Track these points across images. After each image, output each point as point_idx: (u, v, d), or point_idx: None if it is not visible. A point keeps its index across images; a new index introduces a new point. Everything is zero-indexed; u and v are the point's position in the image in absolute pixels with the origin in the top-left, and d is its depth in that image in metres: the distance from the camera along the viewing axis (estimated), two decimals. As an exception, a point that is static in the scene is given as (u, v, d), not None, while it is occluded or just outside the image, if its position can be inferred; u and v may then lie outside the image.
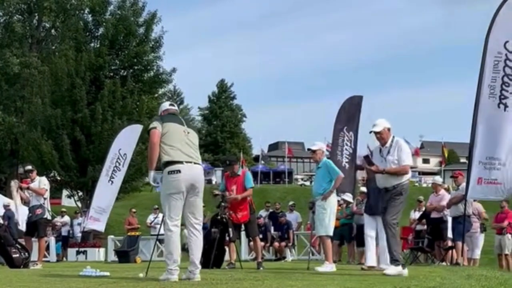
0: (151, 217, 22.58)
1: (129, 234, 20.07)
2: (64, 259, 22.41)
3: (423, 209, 16.68)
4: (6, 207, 18.68)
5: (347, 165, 17.30)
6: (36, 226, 12.70)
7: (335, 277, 7.87)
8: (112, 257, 20.33)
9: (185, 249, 7.37)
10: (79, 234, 23.44)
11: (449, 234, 14.10)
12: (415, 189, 46.28)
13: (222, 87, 74.00)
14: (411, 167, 8.61)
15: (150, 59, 34.06)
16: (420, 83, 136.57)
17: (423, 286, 6.07)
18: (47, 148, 29.62)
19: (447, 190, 15.10)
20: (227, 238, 12.05)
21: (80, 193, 32.44)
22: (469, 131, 11.50)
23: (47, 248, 21.30)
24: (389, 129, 8.49)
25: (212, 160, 65.51)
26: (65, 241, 23.46)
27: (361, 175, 15.50)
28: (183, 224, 7.27)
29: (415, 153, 59.39)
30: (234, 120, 72.43)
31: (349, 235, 16.79)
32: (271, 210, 21.37)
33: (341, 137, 17.85)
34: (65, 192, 36.74)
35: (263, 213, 21.02)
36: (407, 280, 6.87)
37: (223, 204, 11.64)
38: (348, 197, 16.48)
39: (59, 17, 38.39)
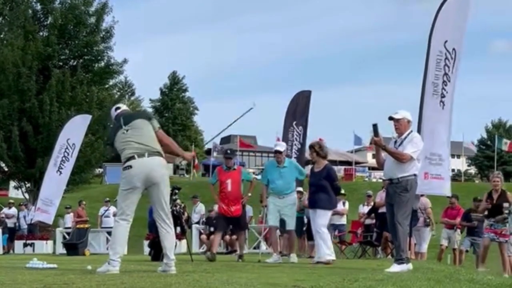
0: (102, 210, 22.38)
1: (78, 226, 19.81)
2: (11, 251, 22.01)
3: (372, 203, 16.90)
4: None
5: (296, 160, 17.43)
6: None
7: (285, 270, 7.92)
8: (61, 249, 20.04)
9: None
10: (26, 226, 23.04)
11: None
12: (365, 184, 46.92)
13: (174, 79, 73.42)
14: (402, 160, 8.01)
15: (101, 49, 33.51)
16: (371, 79, 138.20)
17: (371, 278, 6.15)
18: (-4, 138, 29.06)
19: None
20: (177, 231, 12.00)
21: (28, 185, 31.84)
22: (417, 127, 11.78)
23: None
24: (408, 122, 8.25)
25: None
26: (12, 233, 23.03)
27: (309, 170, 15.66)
28: None
29: (369, 148, 60.21)
30: (186, 112, 71.95)
31: (300, 228, 16.89)
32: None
33: (291, 132, 17.98)
34: (12, 183, 36.03)
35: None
36: (355, 273, 6.96)
37: (174, 197, 11.58)
38: (301, 189, 16.69)
39: (6, 5, 37.47)
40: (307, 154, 18.76)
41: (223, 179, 11.49)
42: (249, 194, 11.80)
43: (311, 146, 10.50)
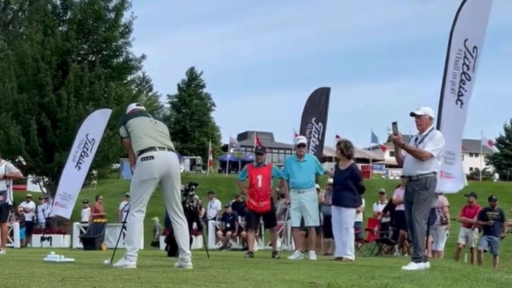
0: (122, 204, 22.45)
1: (95, 221, 19.91)
2: (28, 245, 22.18)
3: (386, 201, 16.83)
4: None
5: (313, 156, 17.37)
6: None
7: (301, 267, 7.90)
8: (78, 244, 20.15)
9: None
10: (44, 220, 23.18)
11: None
12: (382, 182, 46.69)
13: (192, 75, 73.49)
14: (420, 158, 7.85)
15: (119, 44, 33.65)
16: (389, 76, 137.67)
17: (388, 276, 6.11)
18: (15, 132, 29.23)
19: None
20: (194, 227, 12.04)
21: (46, 179, 32.04)
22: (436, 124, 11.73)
23: (11, 233, 21.07)
24: (430, 119, 8.12)
25: (181, 148, 65.12)
26: (30, 227, 23.20)
27: (329, 167, 15.62)
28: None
29: (382, 149, 60.02)
30: (203, 108, 72.03)
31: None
32: (234, 200, 21.39)
33: (309, 128, 17.89)
34: (30, 178, 36.28)
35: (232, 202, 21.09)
36: (372, 271, 6.93)
37: (191, 193, 11.59)
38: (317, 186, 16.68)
39: (26, 0, 37.76)
40: (325, 151, 18.70)
41: (254, 175, 11.58)
42: (277, 189, 11.93)
43: (338, 143, 10.68)
